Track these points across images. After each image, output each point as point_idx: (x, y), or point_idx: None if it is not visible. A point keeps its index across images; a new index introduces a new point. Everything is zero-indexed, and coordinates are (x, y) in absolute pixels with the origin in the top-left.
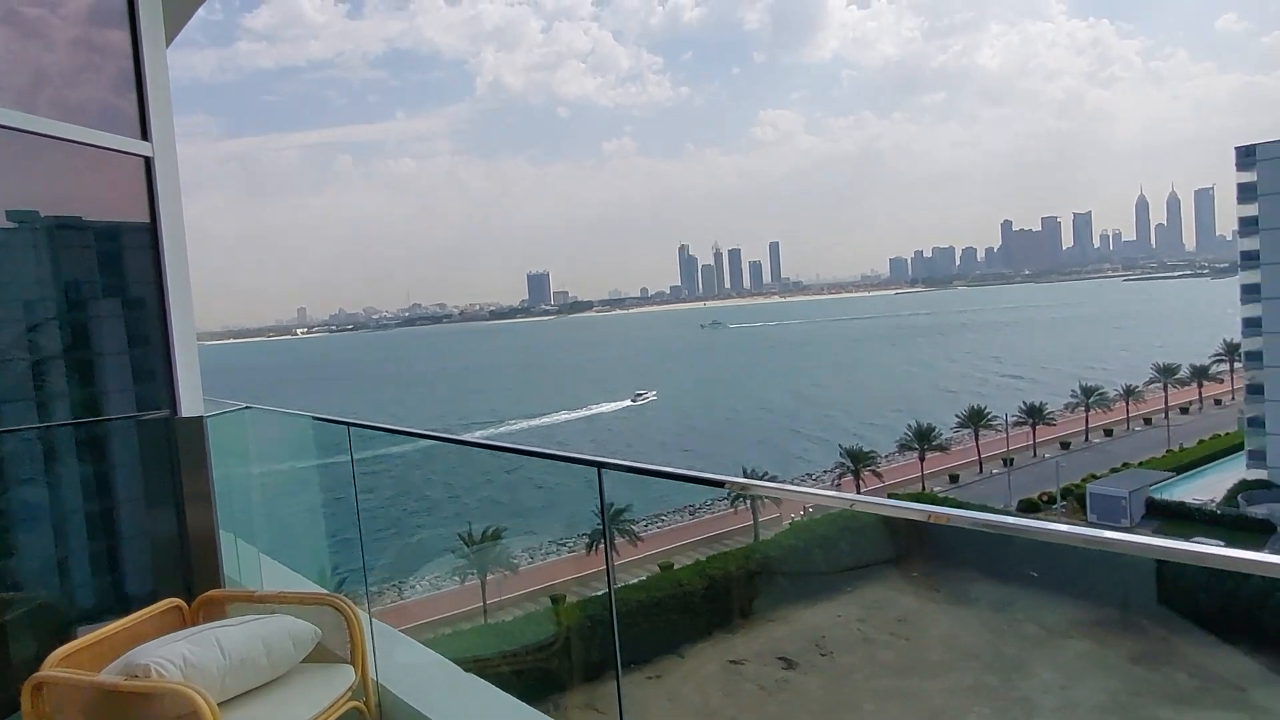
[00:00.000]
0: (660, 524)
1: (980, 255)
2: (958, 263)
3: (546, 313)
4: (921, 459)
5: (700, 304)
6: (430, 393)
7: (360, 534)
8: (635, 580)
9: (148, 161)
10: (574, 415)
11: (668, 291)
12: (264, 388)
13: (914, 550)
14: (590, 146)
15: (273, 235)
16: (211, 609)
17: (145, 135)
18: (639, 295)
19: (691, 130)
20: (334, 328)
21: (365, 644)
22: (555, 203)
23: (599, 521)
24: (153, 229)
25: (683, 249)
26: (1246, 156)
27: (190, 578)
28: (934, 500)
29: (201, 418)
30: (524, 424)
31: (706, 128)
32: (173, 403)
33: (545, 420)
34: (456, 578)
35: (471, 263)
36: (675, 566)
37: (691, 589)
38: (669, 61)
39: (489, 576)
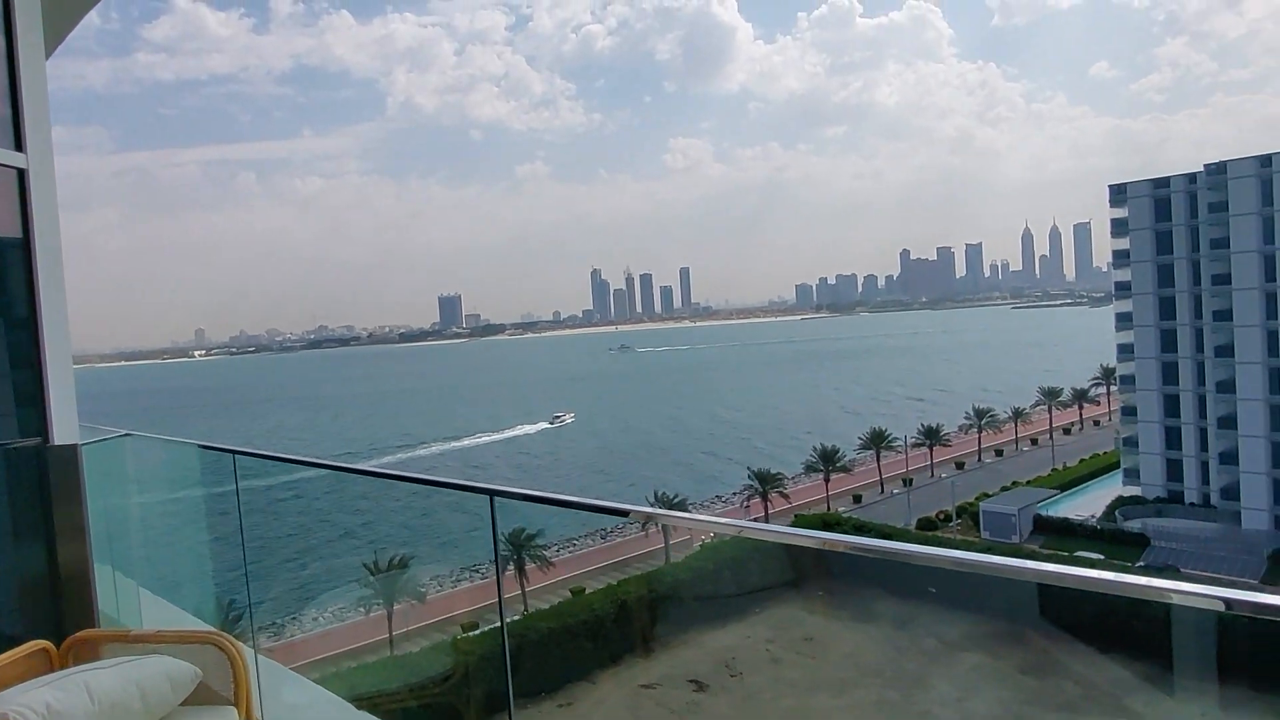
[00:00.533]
0: (573, 548)
1: (881, 283)
2: (860, 289)
3: (458, 335)
4: (826, 480)
5: (612, 328)
6: (341, 417)
7: (246, 567)
8: (547, 606)
9: (21, 174)
10: (493, 438)
11: (580, 315)
12: (159, 413)
13: (821, 569)
14: (503, 170)
15: (169, 253)
16: (83, 651)
17: (20, 146)
18: (551, 318)
19: (604, 156)
20: (234, 350)
21: (250, 684)
22: (467, 225)
23: (508, 548)
24: (26, 245)
25: (595, 273)
26: (1119, 194)
27: (61, 617)
28: (836, 520)
29: (76, 445)
30: (441, 447)
31: (618, 154)
32: (45, 430)
33: (464, 443)
34: (362, 609)
35: (381, 284)
36: (587, 591)
37: (603, 614)
38: (582, 88)
39: (395, 606)
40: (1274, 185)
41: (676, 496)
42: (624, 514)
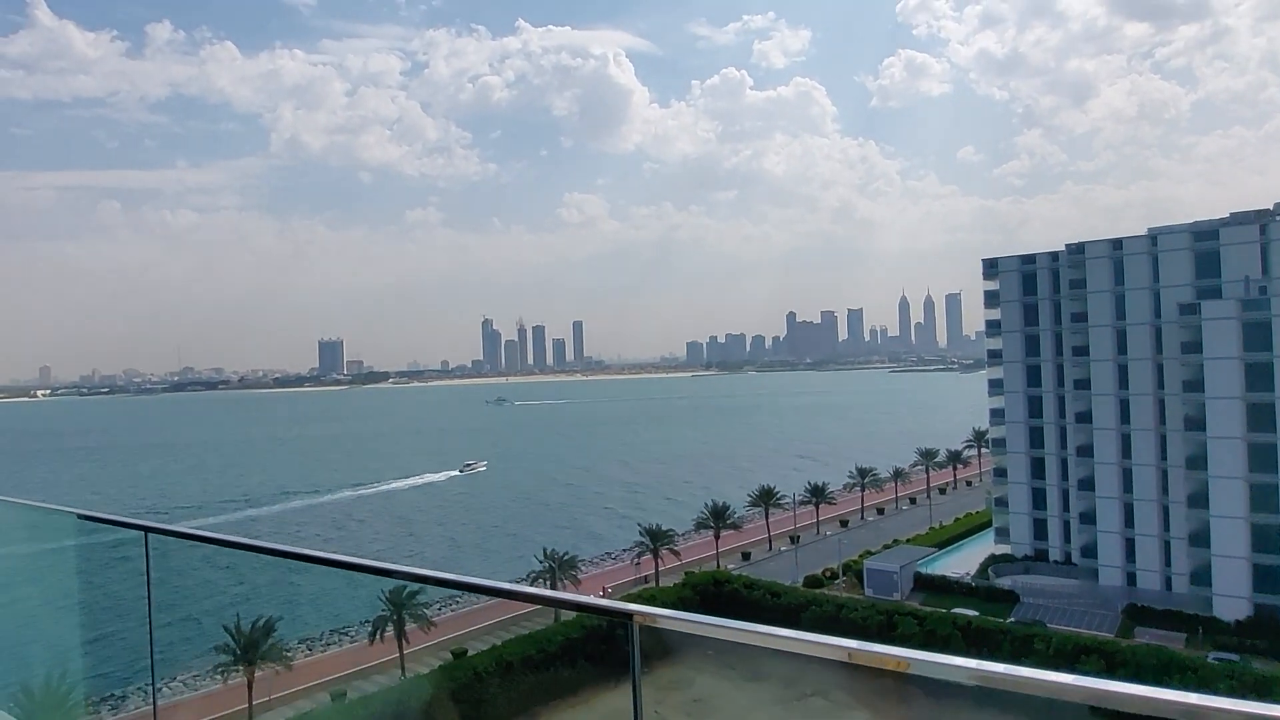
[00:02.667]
0: (455, 606)
1: (768, 343)
2: (748, 349)
3: (339, 382)
4: (717, 537)
5: (503, 379)
6: (231, 463)
7: (152, 655)
8: (428, 670)
9: None
10: (405, 484)
11: (469, 365)
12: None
13: None
14: (393, 214)
15: (13, 284)
16: None
17: None
18: (439, 368)
19: (498, 206)
20: (85, 390)
21: None
22: (353, 268)
23: (387, 607)
24: None
25: (486, 323)
26: (991, 268)
27: None
28: (726, 579)
29: None
30: (350, 493)
31: (513, 205)
32: None
33: (375, 489)
34: (219, 676)
35: (255, 326)
36: (470, 653)
37: (488, 676)
38: (478, 137)
39: (258, 674)
40: (1124, 266)
41: (567, 554)
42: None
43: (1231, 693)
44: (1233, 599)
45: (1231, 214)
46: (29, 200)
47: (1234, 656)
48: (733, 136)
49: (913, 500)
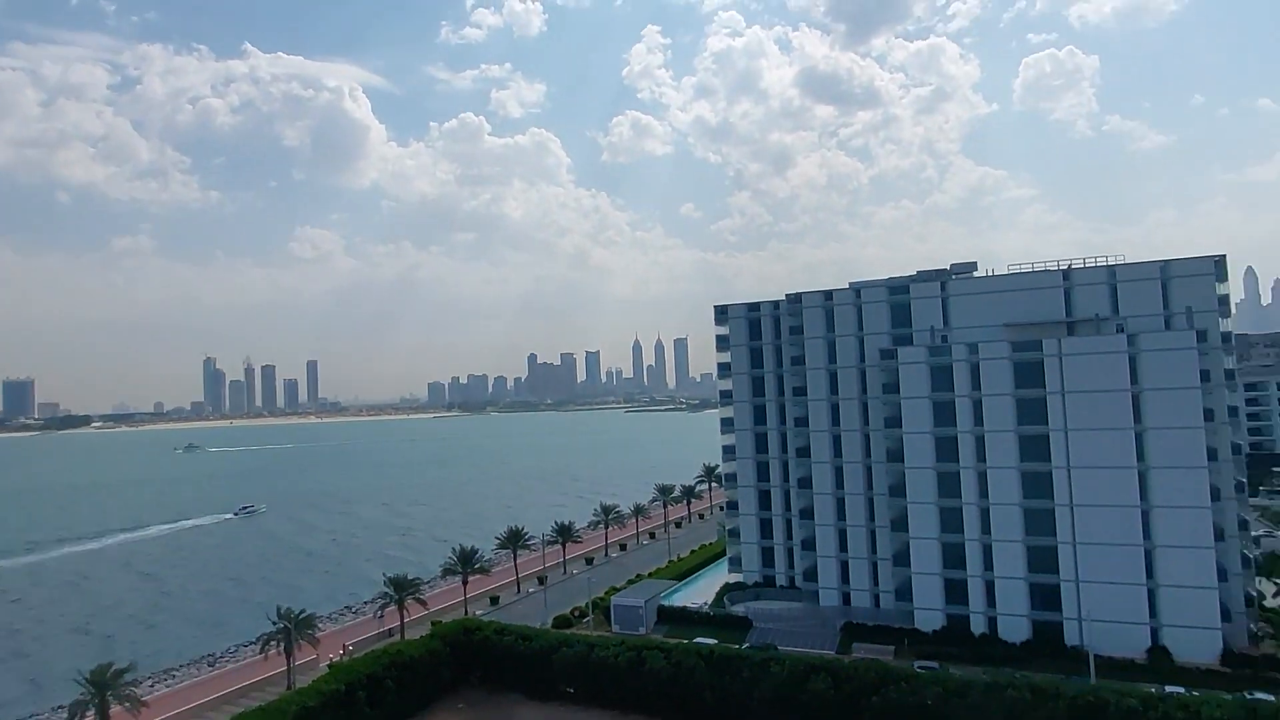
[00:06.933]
0: (171, 680)
1: (510, 384)
2: (490, 389)
3: (29, 427)
4: (465, 583)
5: (227, 421)
6: None
7: None
8: None
9: None
10: (173, 527)
11: (188, 408)
12: None
13: (463, 680)
14: (96, 239)
15: None
16: None
17: None
18: (152, 410)
19: (221, 237)
20: None
21: None
22: (47, 299)
23: (88, 689)
24: None
25: (208, 362)
26: (722, 314)
27: None
28: (476, 626)
29: None
30: (121, 538)
31: (239, 237)
32: None
33: (148, 533)
34: None
35: None
36: None
37: None
38: (198, 162)
39: None
40: (835, 315)
41: (304, 611)
42: None
43: (936, 699)
44: (930, 611)
45: (919, 272)
46: None
47: (935, 664)
48: (471, 180)
49: (652, 535)
